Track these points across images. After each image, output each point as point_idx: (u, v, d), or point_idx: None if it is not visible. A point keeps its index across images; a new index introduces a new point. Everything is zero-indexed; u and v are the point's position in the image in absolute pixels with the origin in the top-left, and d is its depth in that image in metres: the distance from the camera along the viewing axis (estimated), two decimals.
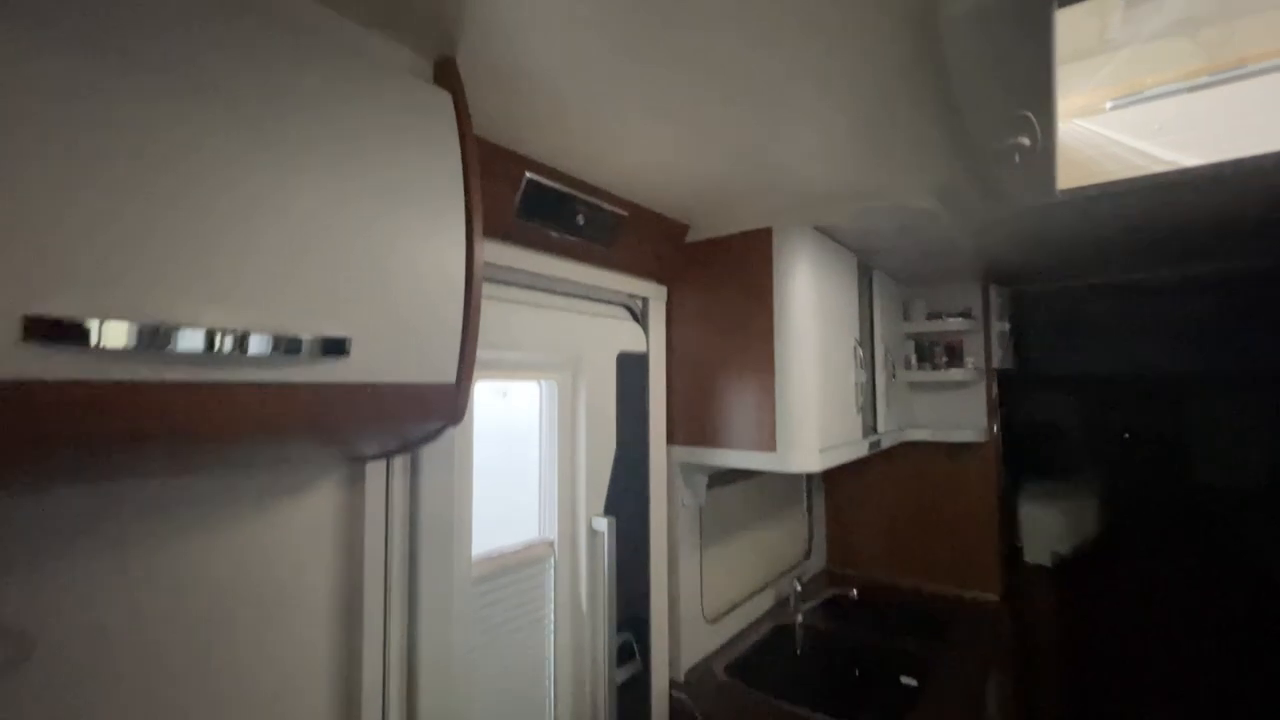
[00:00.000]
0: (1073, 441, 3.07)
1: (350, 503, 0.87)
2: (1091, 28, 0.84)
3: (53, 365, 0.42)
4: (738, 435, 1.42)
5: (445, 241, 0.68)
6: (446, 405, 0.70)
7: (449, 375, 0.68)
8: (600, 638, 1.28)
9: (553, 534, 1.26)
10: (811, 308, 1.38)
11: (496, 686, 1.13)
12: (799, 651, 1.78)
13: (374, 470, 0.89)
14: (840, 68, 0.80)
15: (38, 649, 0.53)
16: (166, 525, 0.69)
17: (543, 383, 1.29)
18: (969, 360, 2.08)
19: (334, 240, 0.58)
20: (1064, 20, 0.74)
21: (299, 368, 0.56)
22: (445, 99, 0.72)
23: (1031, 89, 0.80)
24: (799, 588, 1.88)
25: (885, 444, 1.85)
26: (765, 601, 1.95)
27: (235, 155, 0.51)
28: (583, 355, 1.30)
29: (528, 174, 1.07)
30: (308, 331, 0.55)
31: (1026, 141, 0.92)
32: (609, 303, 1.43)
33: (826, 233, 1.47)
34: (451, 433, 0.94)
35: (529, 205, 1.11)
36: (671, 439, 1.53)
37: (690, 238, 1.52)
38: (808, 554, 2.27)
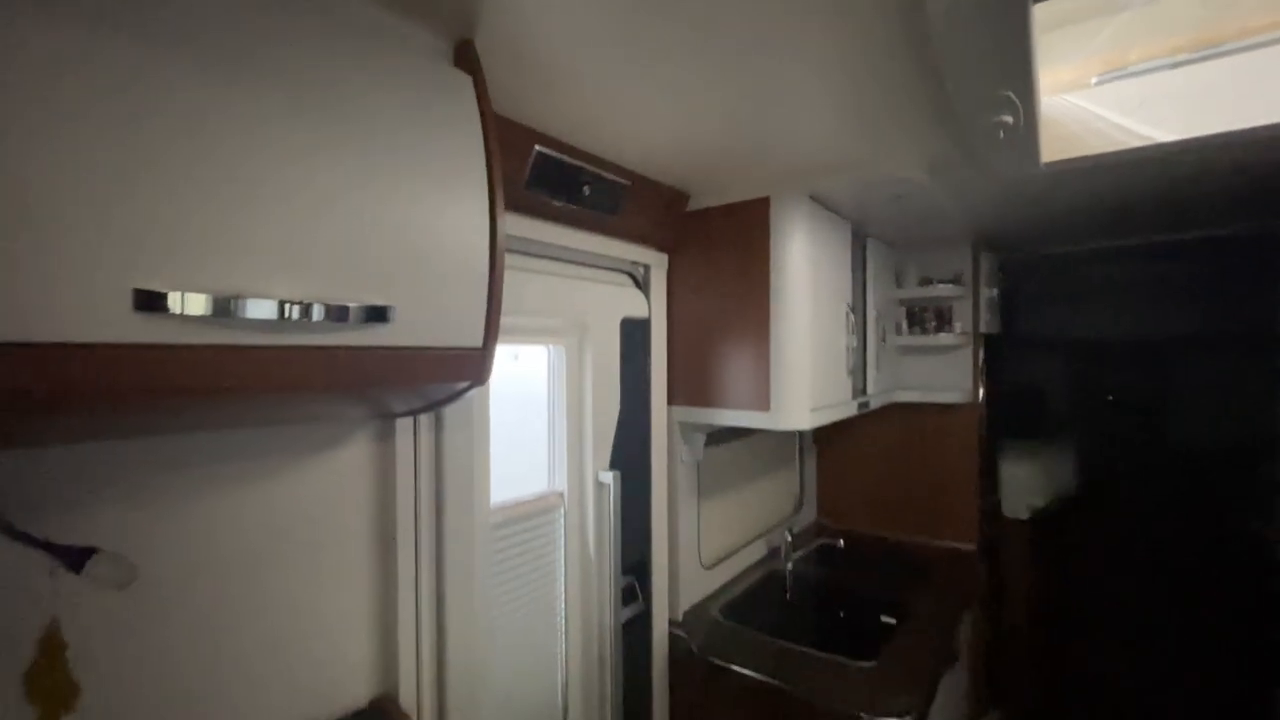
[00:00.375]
0: (1056, 403, 3.19)
1: (383, 455, 0.96)
2: None
3: (156, 330, 0.49)
4: (734, 396, 1.51)
5: (471, 217, 0.74)
6: (474, 367, 0.78)
7: (476, 339, 0.76)
8: (606, 580, 1.39)
9: (562, 486, 1.36)
10: (806, 274, 1.45)
11: (514, 621, 1.25)
12: (788, 595, 1.92)
13: (403, 427, 0.98)
14: (833, 45, 0.85)
15: (139, 576, 0.62)
16: (231, 474, 0.78)
17: (551, 347, 1.37)
18: (957, 325, 2.16)
19: (374, 217, 0.64)
20: None
21: (348, 333, 0.63)
22: (466, 81, 0.77)
23: (1012, 70, 0.85)
24: (790, 538, 2.01)
25: (874, 405, 1.94)
26: (758, 551, 2.08)
27: (294, 149, 0.57)
28: (588, 321, 1.38)
29: (537, 147, 1.12)
30: (355, 301, 0.63)
31: (1009, 119, 0.98)
32: (613, 270, 1.49)
33: (821, 202, 1.52)
34: (471, 393, 1.03)
35: (538, 177, 1.16)
36: (672, 400, 1.62)
37: (691, 206, 1.57)
38: (799, 508, 2.40)
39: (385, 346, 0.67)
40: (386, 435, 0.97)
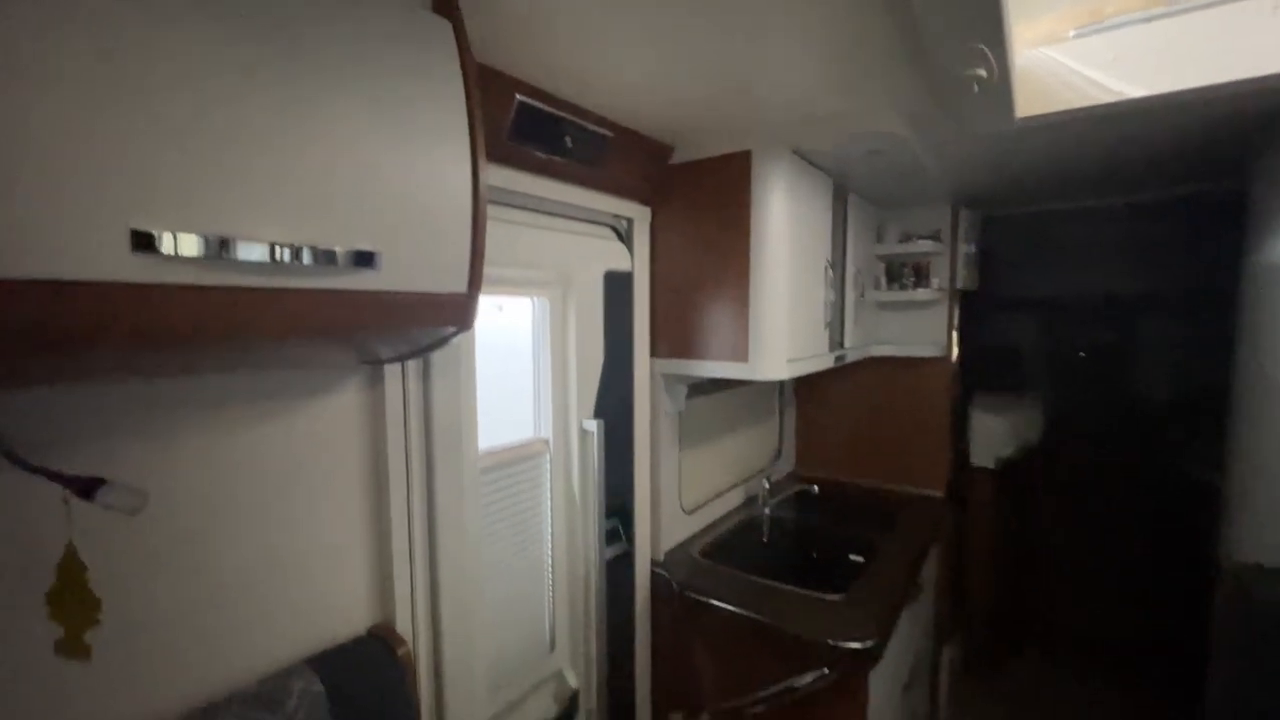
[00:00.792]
0: (1027, 358, 3.29)
1: (373, 400, 1.00)
2: None
3: (153, 270, 0.52)
4: (714, 348, 1.56)
5: (453, 164, 0.76)
6: (459, 312, 0.81)
7: (461, 285, 0.79)
8: (591, 522, 1.46)
9: (548, 433, 1.42)
10: (786, 229, 1.48)
11: (503, 558, 1.32)
12: (765, 538, 2.03)
13: (391, 374, 1.01)
14: None
15: (149, 504, 0.66)
16: (231, 416, 0.83)
17: (535, 299, 1.40)
18: (934, 281, 2.21)
19: (359, 164, 0.66)
20: None
21: (337, 277, 0.66)
22: (446, 27, 0.77)
23: (985, 25, 0.87)
24: (767, 485, 2.11)
25: (850, 358, 2.01)
26: (737, 498, 2.18)
27: (277, 97, 0.58)
28: (572, 273, 1.40)
29: (518, 96, 1.12)
30: (342, 245, 0.65)
31: (983, 73, 0.99)
32: (596, 223, 1.51)
33: (803, 156, 1.54)
34: (457, 340, 1.06)
35: (520, 127, 1.16)
36: (654, 352, 1.66)
37: (674, 160, 1.57)
38: (777, 457, 2.50)
39: (373, 291, 0.69)
40: (376, 382, 1.00)
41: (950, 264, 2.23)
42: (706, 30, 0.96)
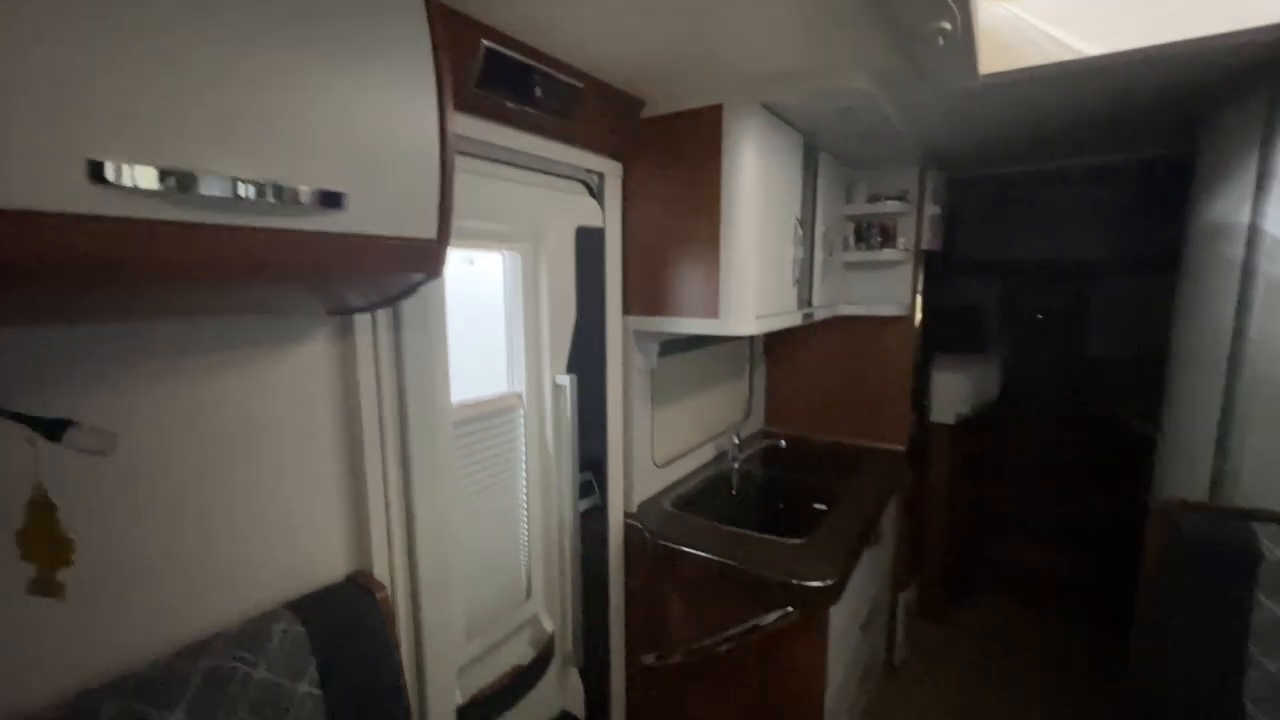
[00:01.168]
0: (988, 319, 3.41)
1: (343, 351, 1.00)
2: None
3: (111, 203, 0.51)
4: (686, 304, 1.58)
5: (419, 106, 0.75)
6: (428, 258, 0.81)
7: (430, 231, 0.79)
8: (565, 475, 1.50)
9: (521, 388, 1.43)
10: (757, 184, 1.49)
11: (479, 509, 1.35)
12: (734, 491, 2.10)
13: (361, 324, 1.01)
14: None
15: (120, 449, 0.66)
16: (200, 362, 0.83)
17: (506, 253, 1.39)
18: (901, 241, 2.26)
19: (323, 102, 0.65)
20: None
21: (304, 218, 0.65)
22: None
23: None
24: (737, 441, 2.17)
25: (818, 316, 2.05)
26: (708, 453, 2.24)
27: (239, 31, 0.57)
28: (543, 228, 1.40)
29: (485, 42, 1.10)
30: (308, 184, 0.64)
31: (948, 26, 1.01)
32: (567, 178, 1.50)
33: (774, 111, 1.54)
34: (428, 292, 1.06)
35: (487, 75, 1.14)
36: (626, 309, 1.68)
37: (645, 113, 1.56)
38: (747, 415, 2.56)
39: (341, 233, 0.69)
40: (346, 332, 1.00)
41: (916, 225, 2.27)
42: None
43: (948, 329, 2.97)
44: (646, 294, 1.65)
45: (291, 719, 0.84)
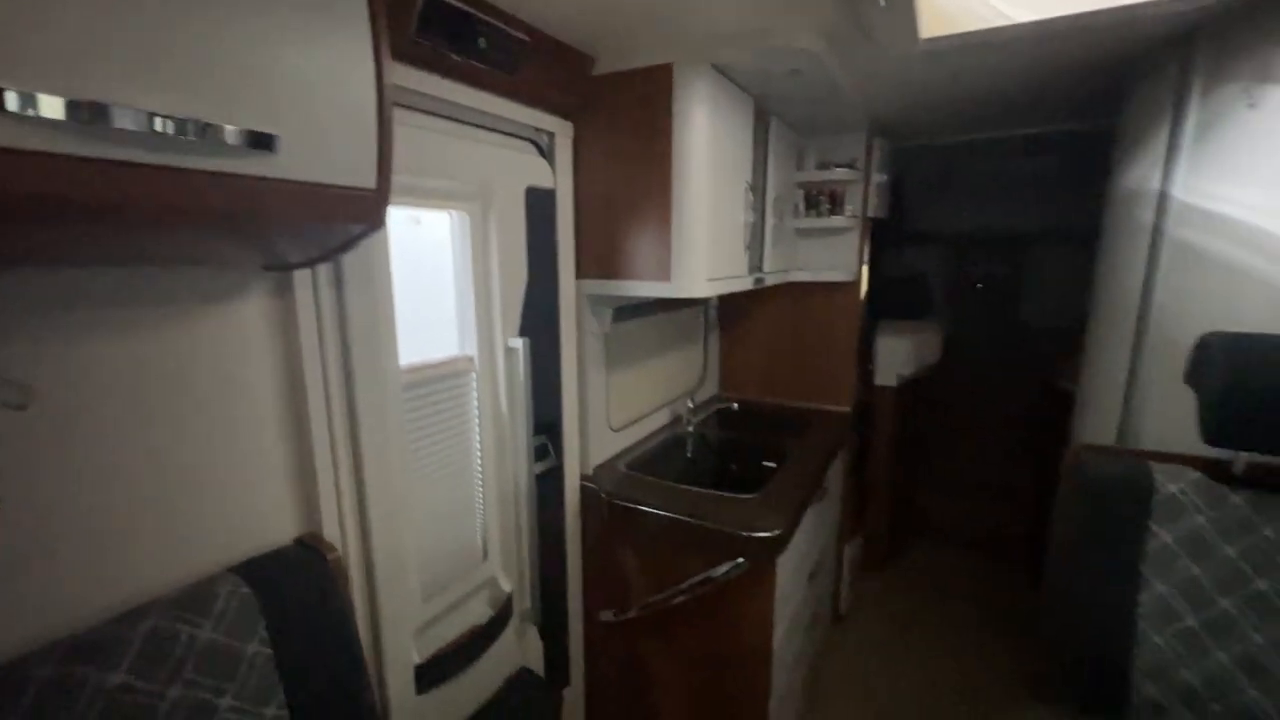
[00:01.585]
0: (931, 286, 3.56)
1: (283, 308, 0.97)
2: None
3: (13, 133, 0.47)
4: (638, 267, 1.59)
5: (354, 47, 0.72)
6: (367, 208, 0.78)
7: (369, 180, 0.76)
8: (520, 438, 1.50)
9: (473, 351, 1.42)
10: (707, 146, 1.50)
11: (432, 471, 1.34)
12: (689, 453, 2.16)
13: (301, 281, 0.98)
14: None
15: (45, 404, 0.63)
16: (131, 315, 0.79)
17: (453, 213, 1.36)
18: (848, 208, 2.32)
19: (250, 36, 0.62)
20: None
21: (233, 160, 0.62)
22: None
23: None
24: (692, 405, 2.22)
25: (769, 281, 2.10)
26: (663, 417, 2.28)
27: None
28: (492, 188, 1.37)
29: None
30: (235, 124, 0.61)
31: None
32: (515, 136, 1.46)
33: (724, 73, 1.54)
34: (370, 249, 1.03)
35: (427, 22, 1.09)
36: (579, 272, 1.67)
37: (595, 71, 1.53)
38: (702, 381, 2.61)
39: (274, 178, 0.66)
40: (285, 289, 0.97)
41: (864, 193, 2.33)
42: None
43: (892, 296, 3.09)
44: (599, 257, 1.64)
45: (242, 678, 0.83)
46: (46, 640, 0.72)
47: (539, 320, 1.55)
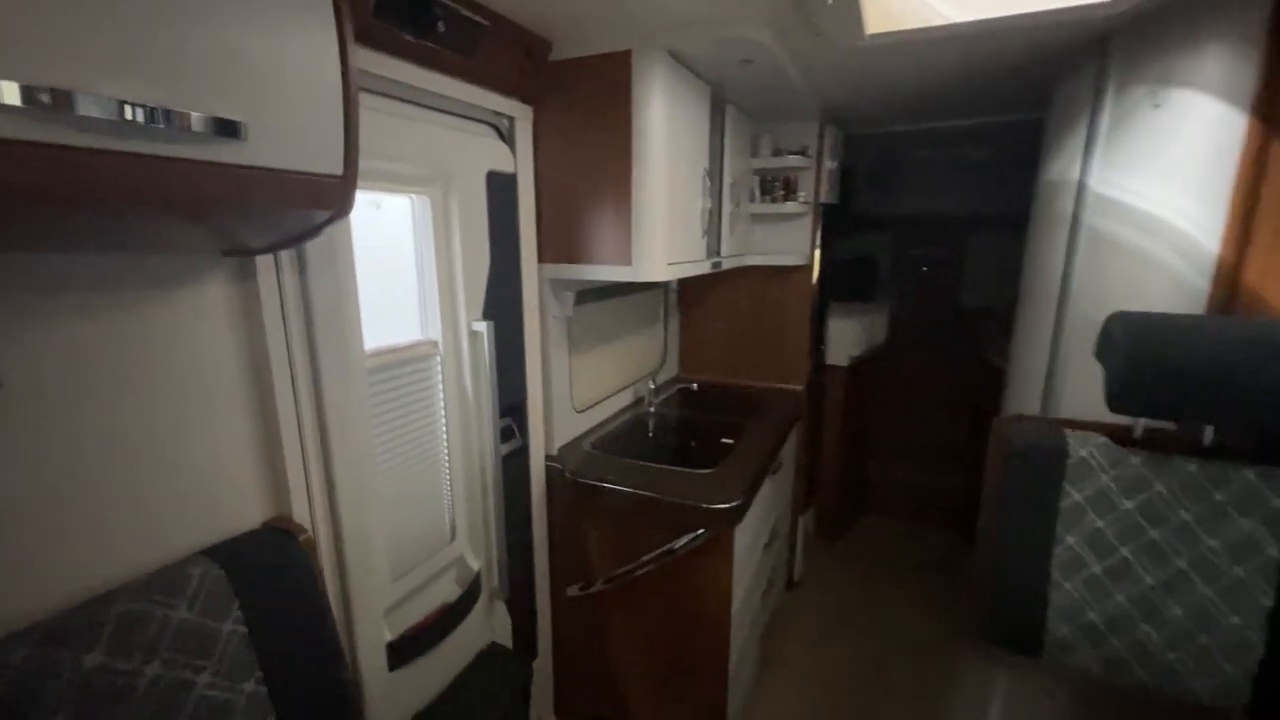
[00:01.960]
0: (880, 270, 3.72)
1: (246, 293, 0.97)
2: None
3: None
4: (599, 251, 1.63)
5: (319, 32, 0.73)
6: (335, 195, 0.80)
7: (337, 167, 0.78)
8: (485, 420, 1.53)
9: (436, 335, 1.43)
10: (665, 133, 1.53)
11: (399, 453, 1.36)
12: (650, 433, 2.22)
13: (264, 265, 0.98)
14: None
15: (6, 385, 0.63)
16: (95, 301, 0.79)
17: (414, 197, 1.36)
18: (801, 194, 2.40)
19: (215, 24, 0.62)
20: None
21: (201, 146, 0.63)
22: None
23: None
24: (653, 386, 2.28)
25: (726, 265, 2.17)
26: (626, 398, 2.34)
27: None
28: (452, 172, 1.37)
29: None
30: (202, 111, 0.62)
31: None
32: (475, 120, 1.47)
33: (680, 60, 1.58)
34: (333, 233, 1.04)
35: (384, 5, 1.09)
36: (542, 257, 1.70)
37: (554, 56, 1.55)
38: (663, 363, 2.68)
39: (241, 165, 0.67)
40: (247, 274, 0.96)
41: (815, 179, 2.42)
42: None
43: (843, 279, 3.22)
44: (561, 241, 1.67)
45: (219, 655, 0.85)
46: (17, 625, 0.72)
47: (503, 304, 1.57)
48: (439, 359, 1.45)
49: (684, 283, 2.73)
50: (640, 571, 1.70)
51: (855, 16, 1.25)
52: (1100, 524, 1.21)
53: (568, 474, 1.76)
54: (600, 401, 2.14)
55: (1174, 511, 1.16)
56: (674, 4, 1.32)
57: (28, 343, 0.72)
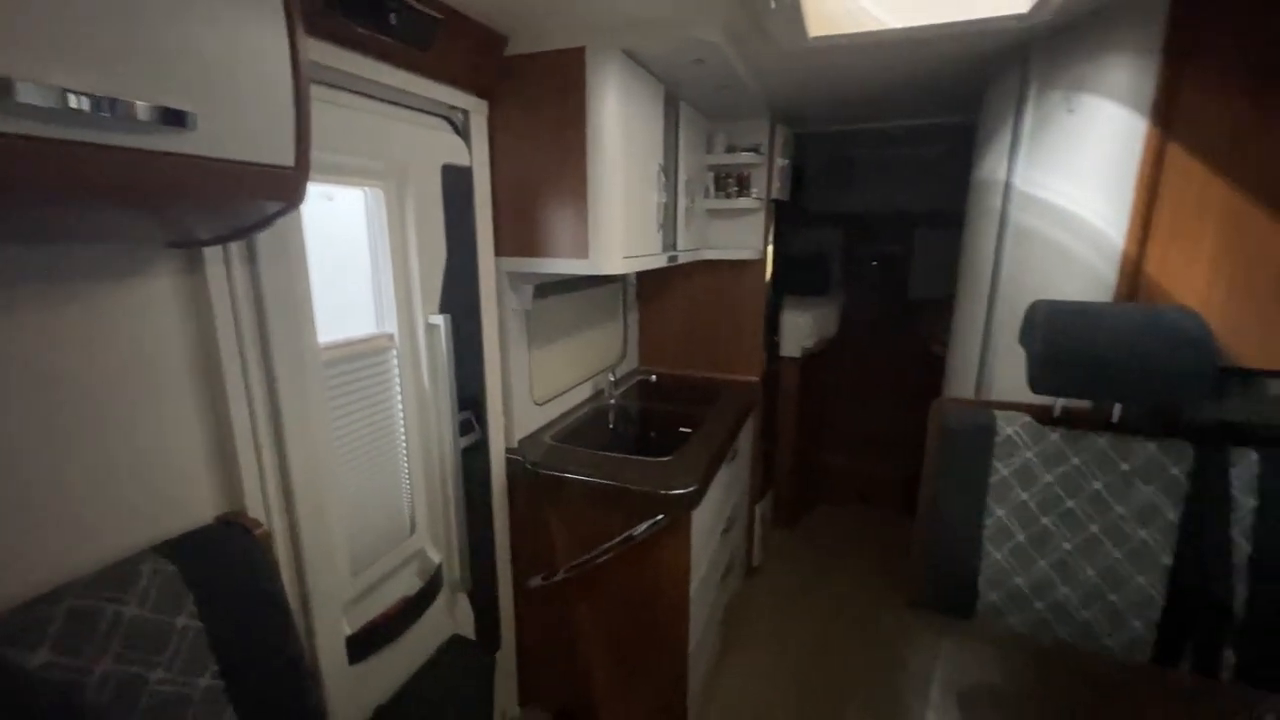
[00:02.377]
0: (831, 264, 3.85)
1: (193, 286, 0.96)
2: None
3: None
4: (557, 245, 1.65)
5: (268, 21, 0.73)
6: (287, 187, 0.80)
7: (288, 158, 0.78)
8: (444, 413, 1.54)
9: (393, 328, 1.43)
10: (620, 129, 1.57)
11: (357, 447, 1.35)
12: (610, 424, 2.26)
13: (212, 257, 0.97)
14: None
15: None
16: (34, 293, 0.77)
17: (367, 190, 1.36)
18: (754, 191, 2.48)
19: (166, 15, 0.62)
20: None
21: (148, 136, 0.63)
22: None
23: None
24: (613, 379, 2.32)
25: (682, 259, 2.22)
26: (586, 391, 2.37)
27: None
28: (406, 165, 1.37)
29: None
30: (148, 100, 0.62)
31: None
32: (429, 113, 1.47)
33: (634, 58, 1.61)
34: (284, 225, 1.03)
35: None
36: (499, 250, 1.71)
37: (510, 50, 1.56)
38: (623, 356, 2.72)
39: (190, 155, 0.67)
40: (196, 265, 0.95)
41: (768, 175, 2.50)
42: None
43: (795, 273, 3.32)
44: (518, 235, 1.68)
45: (173, 650, 0.85)
46: None
47: (460, 297, 1.58)
48: (395, 352, 1.45)
49: (643, 277, 2.77)
50: (601, 559, 1.73)
51: (798, 20, 1.32)
52: (1024, 496, 1.31)
53: (528, 466, 1.78)
54: (561, 394, 2.16)
55: (1088, 482, 1.27)
56: (627, 3, 1.35)
57: None
